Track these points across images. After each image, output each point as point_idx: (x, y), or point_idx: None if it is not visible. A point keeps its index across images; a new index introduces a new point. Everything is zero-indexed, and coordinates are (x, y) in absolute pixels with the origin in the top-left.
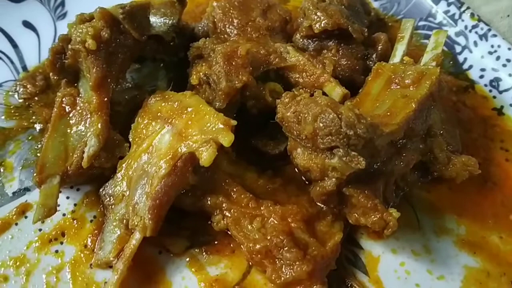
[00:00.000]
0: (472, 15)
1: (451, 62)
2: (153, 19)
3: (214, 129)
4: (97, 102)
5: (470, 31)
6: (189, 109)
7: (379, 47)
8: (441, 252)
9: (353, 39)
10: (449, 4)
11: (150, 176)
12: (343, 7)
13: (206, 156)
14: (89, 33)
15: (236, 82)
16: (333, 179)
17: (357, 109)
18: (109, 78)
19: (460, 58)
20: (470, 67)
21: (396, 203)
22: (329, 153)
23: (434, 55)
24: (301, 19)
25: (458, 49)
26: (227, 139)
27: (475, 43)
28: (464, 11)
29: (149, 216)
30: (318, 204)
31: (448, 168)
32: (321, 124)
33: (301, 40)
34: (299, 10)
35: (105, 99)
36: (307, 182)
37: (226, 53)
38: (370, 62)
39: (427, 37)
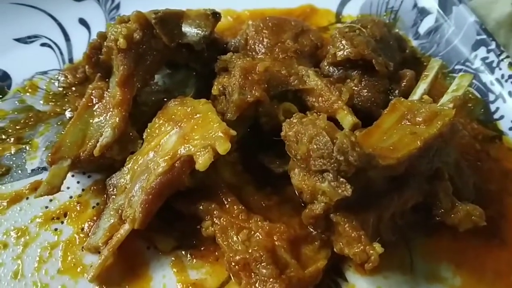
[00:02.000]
0: (510, 64)
1: (482, 110)
2: (186, 28)
3: (214, 136)
4: (119, 98)
5: (506, 80)
6: (198, 115)
7: (403, 83)
8: None
9: (377, 71)
10: (488, 51)
11: (149, 172)
12: (372, 40)
13: (202, 161)
14: (122, 33)
15: (249, 96)
16: (322, 203)
17: (354, 137)
18: (135, 77)
19: (492, 107)
20: (501, 117)
21: (391, 240)
22: (320, 177)
23: (453, 97)
24: (330, 46)
25: (491, 97)
26: (223, 147)
27: (510, 93)
28: (503, 60)
29: (140, 209)
30: (309, 228)
31: (450, 214)
32: (315, 146)
33: (327, 67)
34: (330, 38)
35: (128, 96)
36: (303, 205)
37: (244, 67)
38: (392, 97)
39: None
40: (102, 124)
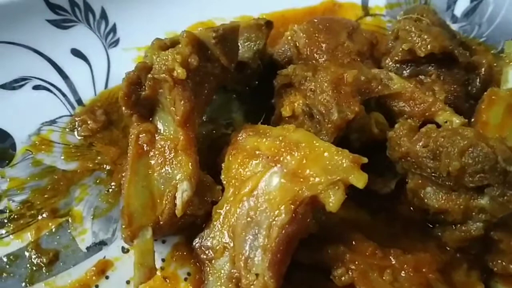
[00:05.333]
0: None
1: None
2: None
3: (341, 168)
4: (184, 139)
5: None
6: (301, 145)
7: (482, 71)
8: None
9: (454, 63)
10: None
11: (263, 225)
12: (442, 29)
13: (334, 200)
14: (177, 61)
15: (349, 113)
16: (479, 222)
17: (506, 140)
18: (196, 112)
19: None
20: None
21: None
22: (475, 193)
23: None
24: (392, 42)
25: None
26: (362, 180)
27: None
28: None
29: (270, 274)
30: (449, 250)
31: None
32: (471, 160)
33: (394, 65)
34: (389, 33)
35: (192, 136)
36: (430, 225)
37: (332, 80)
38: (472, 88)
39: None
40: (170, 176)
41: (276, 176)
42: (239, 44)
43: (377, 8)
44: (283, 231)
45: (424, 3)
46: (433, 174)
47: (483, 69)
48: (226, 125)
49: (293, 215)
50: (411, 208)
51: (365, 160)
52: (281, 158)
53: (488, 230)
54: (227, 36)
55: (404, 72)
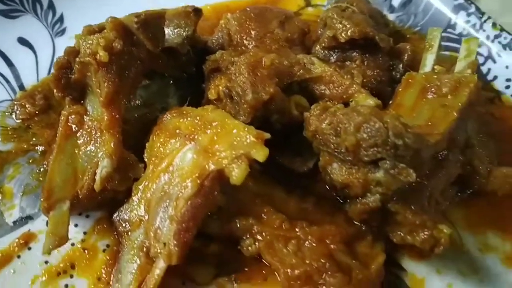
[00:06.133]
0: (494, 25)
1: (475, 73)
2: (166, 30)
3: (245, 143)
4: (108, 119)
5: (492, 41)
6: (214, 124)
7: (405, 57)
8: (488, 271)
9: (378, 49)
10: (469, 15)
11: (173, 198)
12: (366, 16)
13: (237, 173)
14: (101, 44)
15: (263, 94)
16: (377, 195)
17: (402, 118)
18: (121, 94)
19: (484, 69)
20: (495, 77)
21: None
22: (372, 166)
23: (469, 63)
24: (321, 30)
25: (481, 60)
26: (262, 154)
27: (499, 53)
28: (485, 21)
29: (175, 242)
30: (356, 223)
31: (489, 181)
32: (364, 135)
33: (322, 51)
34: (318, 21)
35: (117, 116)
36: (341, 200)
37: (250, 63)
38: (396, 73)
39: (448, 49)
40: (93, 154)
41: (190, 152)
42: (169, 30)
43: None
44: (189, 203)
45: None
46: (335, 150)
47: (406, 55)
48: (161, 109)
49: (200, 188)
50: (327, 186)
51: (267, 135)
52: (196, 136)
53: (386, 203)
54: (151, 22)
55: (331, 58)
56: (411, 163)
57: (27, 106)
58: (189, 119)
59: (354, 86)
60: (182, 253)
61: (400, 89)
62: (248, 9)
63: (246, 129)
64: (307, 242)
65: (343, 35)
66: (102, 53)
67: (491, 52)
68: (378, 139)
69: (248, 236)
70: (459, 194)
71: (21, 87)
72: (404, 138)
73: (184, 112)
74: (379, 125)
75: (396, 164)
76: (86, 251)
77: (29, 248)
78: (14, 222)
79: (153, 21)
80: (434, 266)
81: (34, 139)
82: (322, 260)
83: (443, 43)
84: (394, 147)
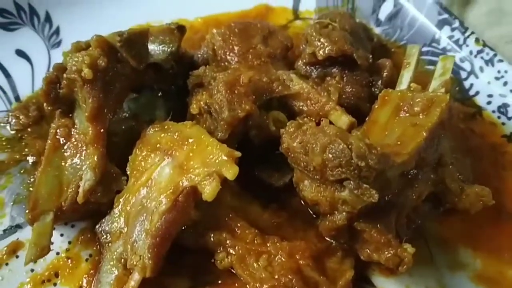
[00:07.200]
0: (477, 40)
1: (457, 88)
2: (151, 46)
3: (217, 161)
4: (93, 134)
5: (475, 56)
6: (190, 140)
7: (384, 73)
8: None
9: (357, 65)
10: (453, 30)
11: (149, 212)
12: (346, 33)
13: (209, 190)
14: (85, 62)
15: (239, 111)
16: (344, 213)
17: (367, 138)
18: (106, 109)
19: (466, 84)
20: (477, 93)
21: (408, 236)
22: (338, 186)
23: (443, 82)
24: (304, 45)
25: (463, 75)
26: (231, 172)
27: (481, 69)
28: (468, 36)
29: (149, 255)
30: (327, 239)
31: (461, 199)
32: (330, 155)
33: (303, 67)
34: (301, 36)
35: (102, 130)
36: (314, 216)
37: (228, 81)
38: (376, 89)
39: (432, 63)
40: (78, 166)
41: (167, 167)
42: (154, 46)
43: (307, 12)
44: (163, 218)
45: (352, 7)
46: (306, 169)
47: (385, 71)
48: (148, 121)
49: (174, 203)
50: (302, 201)
51: (238, 154)
52: (173, 152)
53: (352, 221)
54: (133, 40)
55: (313, 73)
56: (376, 183)
57: (21, 117)
58: (169, 134)
59: (330, 103)
60: (156, 266)
61: (376, 107)
62: (232, 24)
63: (218, 146)
64: (277, 257)
65: (320, 52)
66: (87, 70)
67: (473, 67)
68: (342, 160)
69: (221, 249)
70: (433, 211)
71: (17, 98)
72: (367, 159)
73: (166, 127)
74: (343, 147)
75: (360, 185)
76: (69, 260)
77: (17, 256)
78: (4, 231)
79: (136, 39)
80: (403, 282)
81: (26, 149)
82: (289, 276)
83: (427, 58)
84: (357, 168)
